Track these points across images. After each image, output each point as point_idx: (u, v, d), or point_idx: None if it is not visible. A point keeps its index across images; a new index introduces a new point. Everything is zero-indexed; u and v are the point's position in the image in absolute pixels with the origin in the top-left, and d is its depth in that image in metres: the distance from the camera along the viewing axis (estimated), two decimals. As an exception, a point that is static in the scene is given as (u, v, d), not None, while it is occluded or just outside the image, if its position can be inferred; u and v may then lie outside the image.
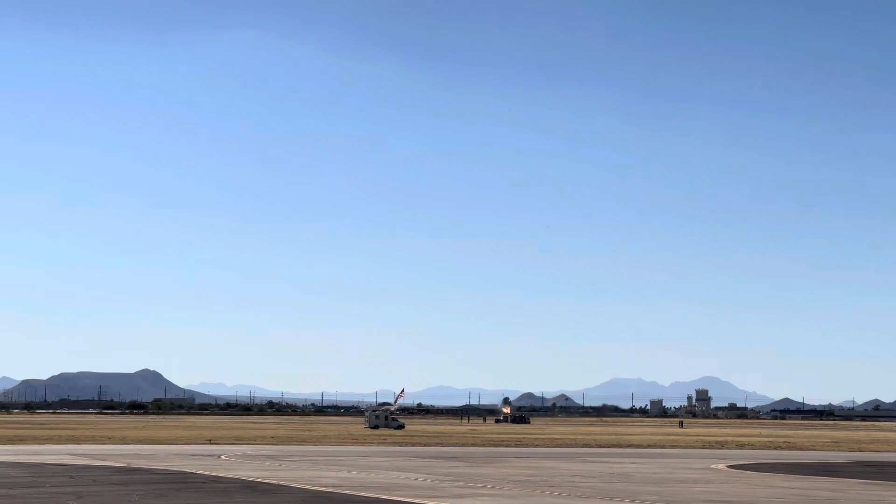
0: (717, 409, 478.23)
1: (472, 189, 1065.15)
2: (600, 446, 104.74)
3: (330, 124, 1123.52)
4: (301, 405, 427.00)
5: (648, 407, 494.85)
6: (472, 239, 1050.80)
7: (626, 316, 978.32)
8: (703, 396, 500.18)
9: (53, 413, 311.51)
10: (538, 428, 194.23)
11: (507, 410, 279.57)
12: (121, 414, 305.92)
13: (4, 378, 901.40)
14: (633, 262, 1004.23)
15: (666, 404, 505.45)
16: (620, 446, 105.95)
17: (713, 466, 68.66)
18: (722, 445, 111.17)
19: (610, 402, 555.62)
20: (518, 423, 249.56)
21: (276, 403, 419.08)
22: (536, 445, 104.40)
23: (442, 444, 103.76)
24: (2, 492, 41.60)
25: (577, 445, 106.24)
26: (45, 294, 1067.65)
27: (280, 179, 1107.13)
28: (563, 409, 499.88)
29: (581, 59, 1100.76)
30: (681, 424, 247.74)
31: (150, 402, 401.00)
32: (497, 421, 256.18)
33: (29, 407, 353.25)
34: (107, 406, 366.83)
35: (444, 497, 41.51)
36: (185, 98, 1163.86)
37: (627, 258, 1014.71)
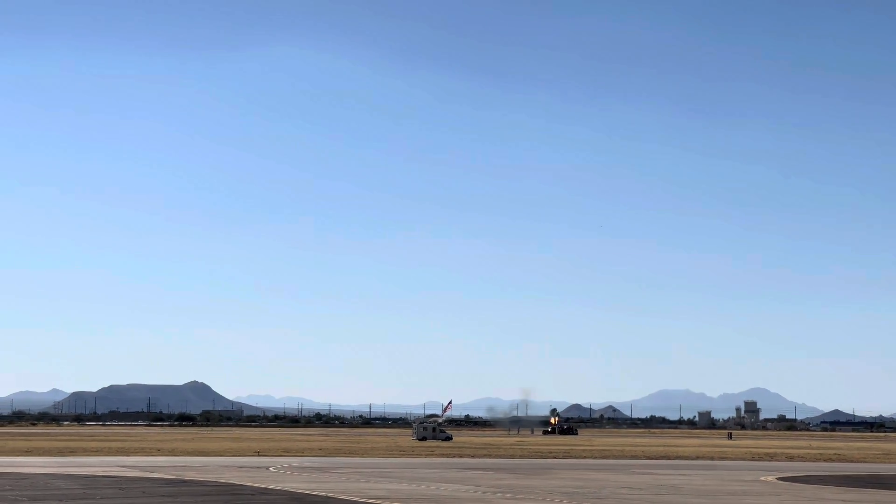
0: (767, 420, 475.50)
1: (516, 202, 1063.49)
2: (648, 458, 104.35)
3: (374, 138, 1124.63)
4: (349, 417, 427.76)
5: (697, 418, 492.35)
6: (519, 250, 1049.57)
7: (675, 327, 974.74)
8: (751, 408, 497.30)
9: (103, 425, 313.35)
10: (586, 439, 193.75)
11: (553, 421, 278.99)
12: (169, 426, 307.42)
13: (55, 390, 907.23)
14: (681, 274, 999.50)
15: (714, 416, 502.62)
16: (669, 458, 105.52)
17: (763, 479, 68.26)
18: (771, 457, 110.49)
19: (658, 414, 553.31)
20: (566, 434, 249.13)
21: (324, 415, 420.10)
22: (584, 457, 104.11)
23: (490, 456, 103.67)
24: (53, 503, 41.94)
25: (624, 457, 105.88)
26: (95, 308, 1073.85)
27: (324, 194, 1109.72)
28: (611, 420, 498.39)
29: (628, 76, 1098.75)
30: (729, 436, 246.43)
31: (198, 414, 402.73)
32: (545, 432, 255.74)
33: (79, 419, 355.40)
34: (156, 418, 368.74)
35: (491, 509, 41.49)
36: (231, 114, 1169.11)
37: (676, 271, 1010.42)
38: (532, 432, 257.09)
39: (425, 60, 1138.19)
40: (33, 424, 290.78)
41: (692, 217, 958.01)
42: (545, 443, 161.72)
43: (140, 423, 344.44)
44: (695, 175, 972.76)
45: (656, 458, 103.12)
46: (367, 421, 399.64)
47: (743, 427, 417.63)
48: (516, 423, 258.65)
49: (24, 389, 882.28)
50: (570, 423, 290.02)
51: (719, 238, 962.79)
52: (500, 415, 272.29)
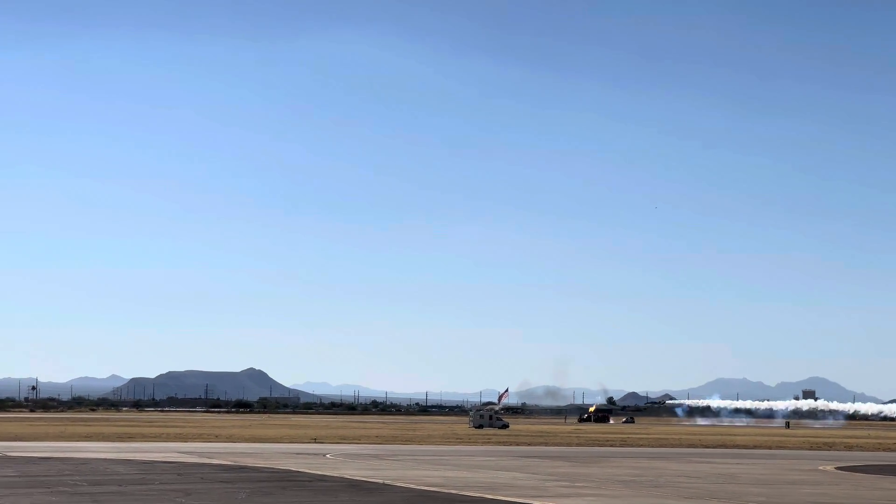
0: (827, 412, 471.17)
1: (575, 187, 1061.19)
2: (705, 446, 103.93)
3: (436, 122, 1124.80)
4: (405, 404, 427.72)
5: (754, 407, 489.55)
6: (576, 238, 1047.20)
7: (733, 315, 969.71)
8: (810, 398, 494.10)
9: (161, 411, 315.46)
10: (642, 428, 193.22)
11: (591, 409, 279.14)
12: (227, 412, 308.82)
13: (114, 376, 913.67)
14: (740, 260, 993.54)
15: (772, 405, 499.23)
16: (726, 447, 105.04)
17: (821, 468, 67.83)
18: (830, 447, 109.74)
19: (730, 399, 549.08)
20: (600, 422, 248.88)
21: (381, 403, 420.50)
22: (641, 445, 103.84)
23: (546, 444, 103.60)
24: (112, 488, 42.22)
25: (681, 445, 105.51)
26: (153, 295, 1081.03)
27: (384, 179, 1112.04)
28: (668, 408, 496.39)
29: (690, 56, 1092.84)
30: (787, 425, 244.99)
31: (255, 400, 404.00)
32: (580, 420, 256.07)
33: (138, 405, 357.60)
34: (213, 404, 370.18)
35: (548, 497, 41.43)
36: (294, 99, 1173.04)
37: (735, 257, 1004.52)
38: (566, 420, 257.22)
39: (474, 50, 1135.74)
40: (93, 410, 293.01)
41: (749, 208, 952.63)
42: (602, 431, 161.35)
43: (198, 409, 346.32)
44: (745, 167, 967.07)
45: (713, 447, 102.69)
46: (424, 408, 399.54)
47: (801, 416, 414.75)
48: (558, 412, 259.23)
49: (83, 375, 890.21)
50: (604, 411, 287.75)
51: (776, 228, 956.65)
52: (544, 401, 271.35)
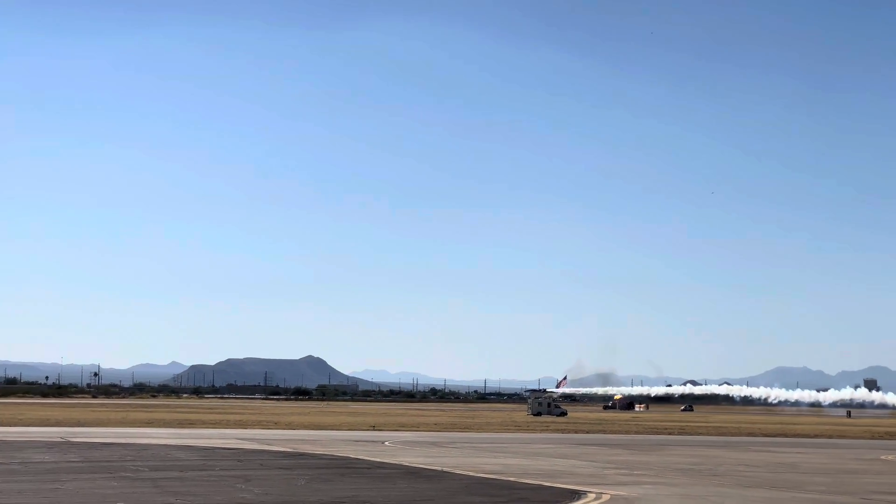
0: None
1: (630, 177, 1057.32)
2: (765, 435, 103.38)
3: (490, 112, 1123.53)
4: (464, 392, 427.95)
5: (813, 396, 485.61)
6: (633, 226, 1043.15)
7: (793, 303, 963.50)
8: (871, 386, 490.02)
9: (221, 398, 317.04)
10: (701, 416, 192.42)
11: (618, 397, 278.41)
12: (286, 399, 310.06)
13: (174, 363, 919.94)
14: (802, 249, 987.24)
15: (833, 394, 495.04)
16: (786, 435, 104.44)
17: (883, 457, 67.32)
18: (892, 436, 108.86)
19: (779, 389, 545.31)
20: (627, 410, 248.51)
21: (439, 390, 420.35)
22: (699, 434, 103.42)
23: (605, 432, 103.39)
24: (173, 474, 42.52)
25: (741, 434, 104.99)
26: (214, 283, 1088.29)
27: (440, 166, 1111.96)
28: (726, 397, 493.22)
29: (744, 53, 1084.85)
30: (848, 414, 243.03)
31: (314, 388, 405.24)
32: (605, 408, 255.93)
33: (197, 391, 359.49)
34: (272, 392, 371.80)
35: (607, 484, 41.36)
36: (349, 89, 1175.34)
37: (796, 245, 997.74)
38: (629, 407, 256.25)
39: (538, 37, 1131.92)
40: (153, 396, 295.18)
41: (810, 196, 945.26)
42: (660, 419, 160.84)
43: (257, 396, 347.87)
44: (813, 154, 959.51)
45: (773, 436, 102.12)
46: (482, 396, 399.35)
47: (862, 406, 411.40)
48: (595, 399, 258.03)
49: (144, 362, 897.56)
50: (633, 398, 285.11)
51: (837, 217, 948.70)
52: (596, 387, 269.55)
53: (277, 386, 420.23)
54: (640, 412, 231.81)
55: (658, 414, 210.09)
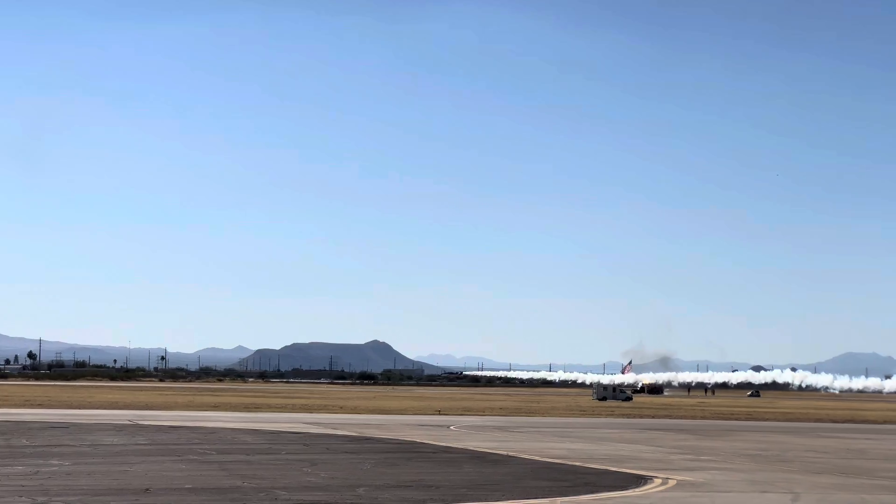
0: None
1: (693, 160, 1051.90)
2: (834, 421, 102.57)
3: (554, 96, 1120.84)
4: (527, 378, 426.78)
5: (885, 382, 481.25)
6: (700, 211, 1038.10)
7: (862, 287, 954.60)
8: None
9: (286, 382, 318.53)
10: (768, 401, 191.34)
11: (647, 382, 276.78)
12: (351, 384, 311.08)
13: (240, 347, 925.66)
14: (874, 234, 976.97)
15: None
16: (855, 422, 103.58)
17: (953, 443, 66.59)
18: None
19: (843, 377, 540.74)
20: (653, 393, 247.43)
21: (502, 377, 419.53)
22: (767, 419, 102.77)
23: (670, 417, 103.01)
24: (240, 458, 42.76)
25: (809, 420, 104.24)
26: (279, 268, 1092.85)
27: (508, 152, 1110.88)
28: (786, 385, 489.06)
29: (809, 32, 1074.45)
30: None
31: (379, 372, 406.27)
32: (634, 391, 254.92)
33: (263, 376, 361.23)
34: (338, 376, 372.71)
35: (673, 470, 41.16)
36: (410, 73, 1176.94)
37: (867, 231, 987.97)
38: (689, 392, 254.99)
39: (600, 21, 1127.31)
40: (219, 380, 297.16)
41: (882, 181, 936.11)
42: (727, 404, 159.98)
43: (322, 380, 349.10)
44: (884, 140, 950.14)
45: (842, 422, 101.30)
46: (547, 381, 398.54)
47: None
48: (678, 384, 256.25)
49: (210, 346, 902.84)
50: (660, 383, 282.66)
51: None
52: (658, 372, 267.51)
53: (343, 370, 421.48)
54: (667, 395, 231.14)
55: (724, 399, 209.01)
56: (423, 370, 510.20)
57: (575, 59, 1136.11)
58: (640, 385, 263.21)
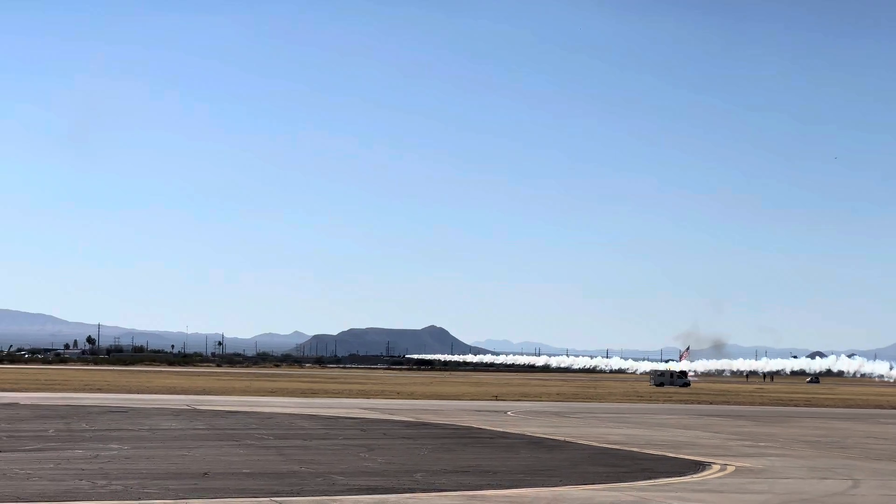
0: None
1: (756, 139, 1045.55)
2: (894, 408, 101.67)
3: (617, 79, 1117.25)
4: (583, 366, 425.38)
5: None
6: (750, 194, 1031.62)
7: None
8: None
9: (343, 368, 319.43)
10: (828, 388, 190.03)
11: (675, 368, 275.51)
12: (408, 369, 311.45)
13: (297, 333, 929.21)
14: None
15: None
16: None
17: None
18: None
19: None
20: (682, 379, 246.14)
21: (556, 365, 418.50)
22: (826, 405, 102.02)
23: (728, 403, 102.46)
24: (297, 442, 42.89)
25: (869, 406, 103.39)
26: (336, 253, 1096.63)
27: (554, 138, 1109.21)
28: (840, 373, 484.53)
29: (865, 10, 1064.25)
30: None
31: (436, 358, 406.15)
32: (660, 375, 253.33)
33: (320, 361, 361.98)
34: (394, 362, 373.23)
35: (731, 456, 40.93)
36: (472, 58, 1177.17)
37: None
38: (747, 378, 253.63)
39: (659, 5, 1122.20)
40: (276, 366, 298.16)
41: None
42: (785, 390, 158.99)
43: (379, 366, 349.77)
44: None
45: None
46: (588, 369, 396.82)
47: None
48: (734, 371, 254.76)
49: (267, 332, 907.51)
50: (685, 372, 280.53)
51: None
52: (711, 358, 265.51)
53: (400, 356, 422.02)
54: (694, 377, 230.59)
55: (783, 385, 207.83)
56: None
57: (601, 44, 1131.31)
58: (671, 371, 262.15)
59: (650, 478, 33.13)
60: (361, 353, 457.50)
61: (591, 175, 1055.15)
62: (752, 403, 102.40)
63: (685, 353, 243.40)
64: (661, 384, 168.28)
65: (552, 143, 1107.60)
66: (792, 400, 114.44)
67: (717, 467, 36.60)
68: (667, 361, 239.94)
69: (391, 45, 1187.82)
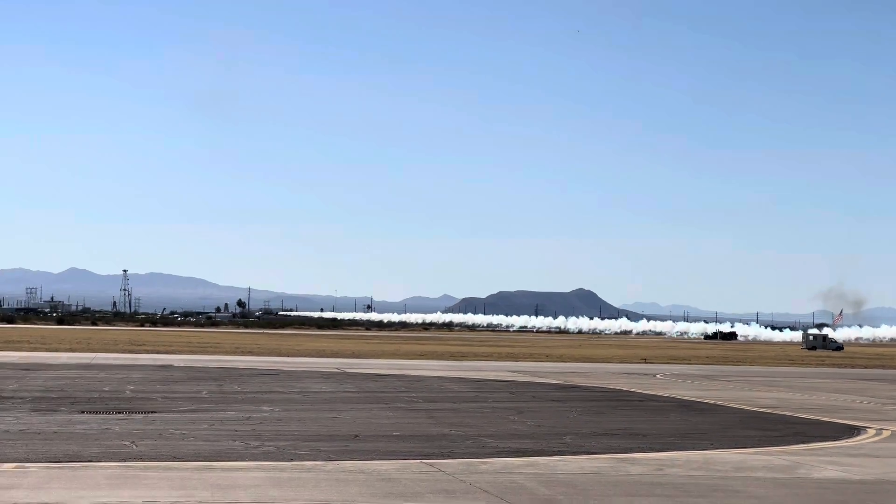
0: None
1: (837, 116, 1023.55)
2: None
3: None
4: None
5: None
6: (861, 166, 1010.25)
7: None
8: None
9: (492, 331, 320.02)
10: None
11: (718, 329, 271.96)
12: (547, 332, 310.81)
13: (445, 296, 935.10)
14: None
15: None
16: None
17: None
18: None
19: None
20: (727, 339, 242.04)
21: (709, 322, 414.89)
22: None
23: (884, 367, 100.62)
24: (447, 405, 43.07)
25: None
26: (486, 216, 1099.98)
27: (705, 102, 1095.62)
28: None
29: None
30: None
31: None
32: (706, 338, 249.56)
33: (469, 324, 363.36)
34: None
35: (888, 420, 40.20)
36: (524, 40, 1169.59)
37: None
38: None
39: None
40: (425, 329, 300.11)
41: None
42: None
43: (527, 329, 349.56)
44: None
45: None
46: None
47: None
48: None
49: (416, 295, 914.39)
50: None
51: None
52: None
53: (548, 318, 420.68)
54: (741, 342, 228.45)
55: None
56: (627, 318, 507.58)
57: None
58: (714, 331, 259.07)
59: (803, 442, 32.65)
60: (510, 316, 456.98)
61: (737, 143, 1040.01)
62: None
63: (839, 317, 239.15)
64: (814, 348, 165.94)
65: (691, 104, 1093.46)
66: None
67: (873, 432, 35.94)
68: (820, 327, 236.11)
69: (509, 17, 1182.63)
